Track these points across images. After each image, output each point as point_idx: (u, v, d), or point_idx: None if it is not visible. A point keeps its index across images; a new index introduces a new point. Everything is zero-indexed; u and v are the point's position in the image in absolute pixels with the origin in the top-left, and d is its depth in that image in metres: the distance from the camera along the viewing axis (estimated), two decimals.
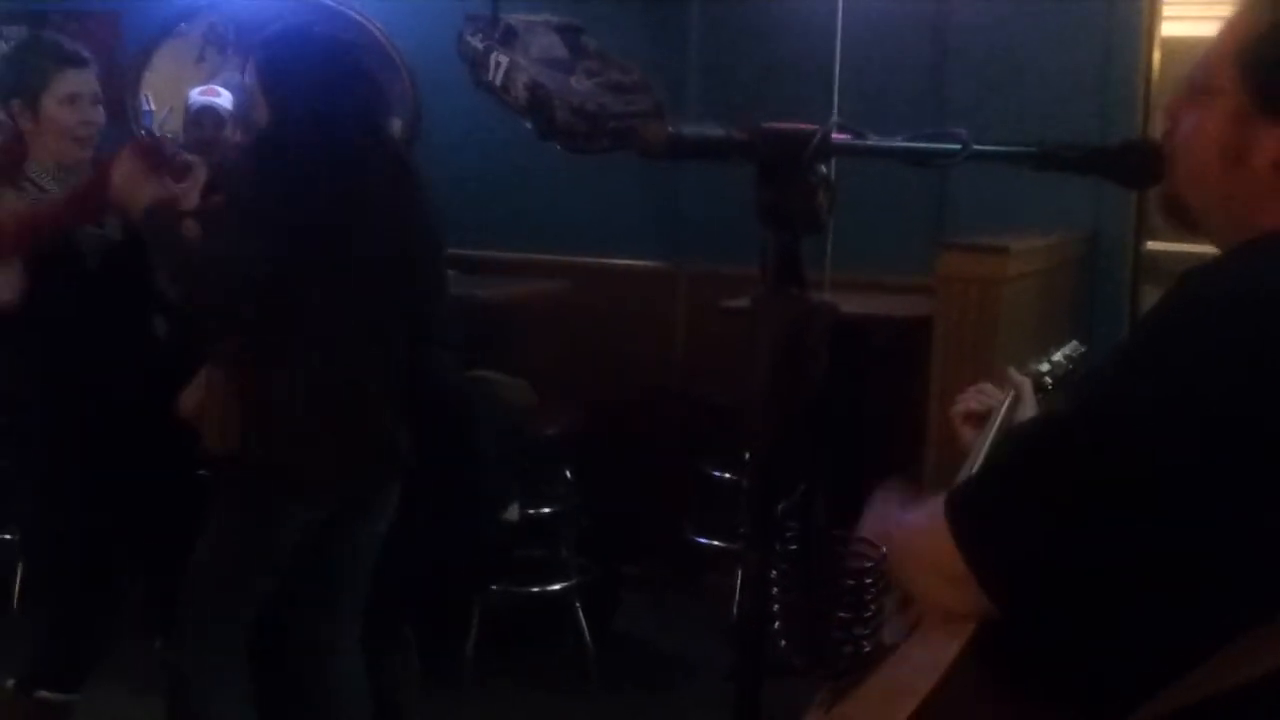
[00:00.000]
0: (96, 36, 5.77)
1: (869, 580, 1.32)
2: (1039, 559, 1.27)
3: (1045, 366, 2.23)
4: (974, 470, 1.81)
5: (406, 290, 3.12)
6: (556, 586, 4.55)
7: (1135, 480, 1.23)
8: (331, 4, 5.79)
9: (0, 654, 3.56)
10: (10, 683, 3.39)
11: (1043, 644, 1.29)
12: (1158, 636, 1.26)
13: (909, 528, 1.40)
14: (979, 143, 1.39)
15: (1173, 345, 1.27)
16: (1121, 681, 1.25)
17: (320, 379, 2.94)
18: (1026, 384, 2.11)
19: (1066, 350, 2.32)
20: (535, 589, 4.56)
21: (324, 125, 2.95)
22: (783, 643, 1.30)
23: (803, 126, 1.30)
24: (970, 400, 2.13)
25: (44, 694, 3.34)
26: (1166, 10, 4.97)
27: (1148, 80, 4.87)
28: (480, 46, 5.36)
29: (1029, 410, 2.05)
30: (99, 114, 3.29)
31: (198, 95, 5.10)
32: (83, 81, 3.27)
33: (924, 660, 1.29)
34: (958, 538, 1.30)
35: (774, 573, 1.30)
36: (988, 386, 2.14)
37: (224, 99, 5.04)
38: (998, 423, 2.00)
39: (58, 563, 3.40)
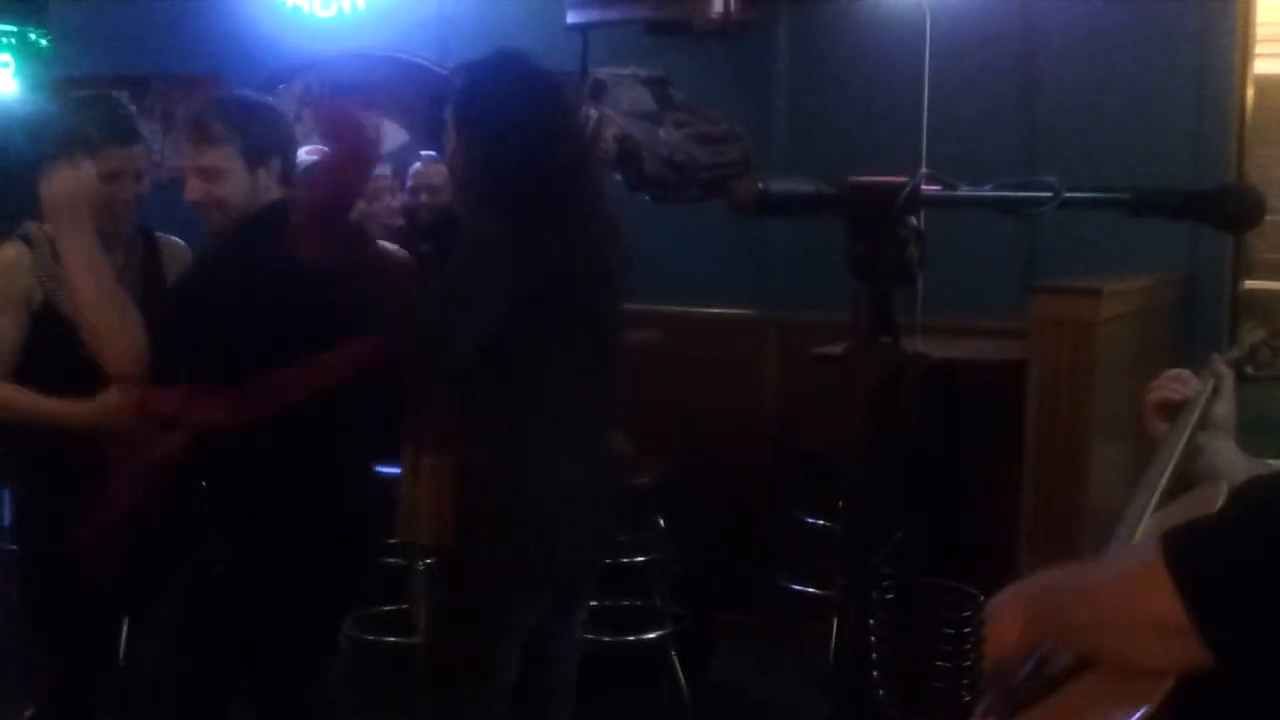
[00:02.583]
0: (189, 107, 5.91)
1: (968, 629, 1.31)
2: (1264, 613, 1.21)
3: (1243, 354, 2.10)
4: (1199, 510, 1.73)
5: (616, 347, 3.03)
6: (651, 635, 4.55)
7: None
8: (423, 62, 5.89)
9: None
10: (29, 714, 3.43)
11: (1248, 701, 1.24)
12: None
13: (1106, 575, 1.35)
14: (1070, 187, 1.39)
15: None
16: None
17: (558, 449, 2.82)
18: (1229, 375, 1.99)
19: (1263, 336, 2.16)
20: (631, 638, 4.56)
21: (538, 166, 2.80)
22: (880, 692, 1.30)
23: (891, 180, 1.31)
24: (1166, 388, 1.98)
25: None
26: (1260, 48, 4.92)
27: (1241, 119, 4.82)
28: None
29: (1229, 402, 1.93)
30: (140, 189, 3.28)
31: (304, 154, 5.21)
32: (128, 158, 3.25)
33: (1110, 707, 1.26)
34: (1182, 588, 1.23)
35: (871, 622, 1.30)
36: (1186, 373, 2.00)
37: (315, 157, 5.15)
38: (1196, 415, 1.89)
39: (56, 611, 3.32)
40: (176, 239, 3.46)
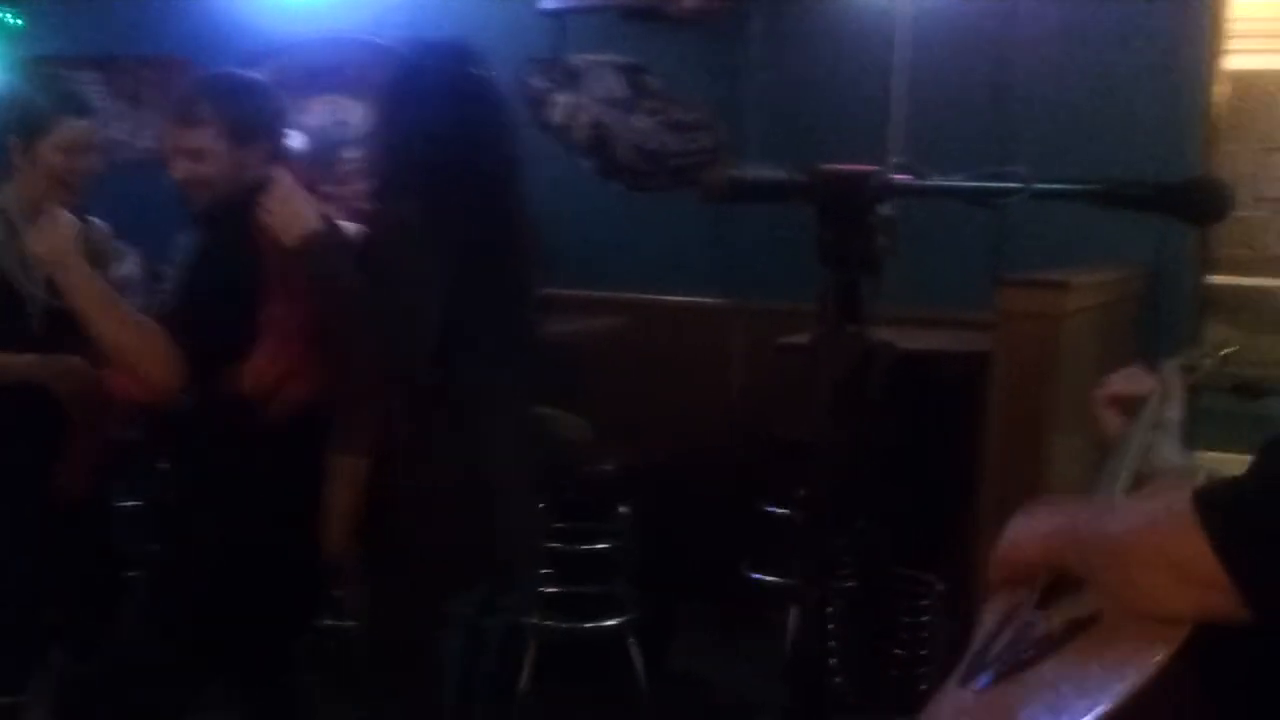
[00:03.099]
0: (167, 81, 5.87)
1: (925, 618, 1.31)
2: None
3: (1189, 360, 2.09)
4: (1157, 462, 1.72)
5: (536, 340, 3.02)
6: (611, 622, 4.55)
7: None
8: (395, 46, 5.86)
9: None
10: None
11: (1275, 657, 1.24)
12: None
13: (1130, 523, 1.33)
14: (1040, 179, 1.40)
15: None
16: None
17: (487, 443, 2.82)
18: (1178, 379, 1.99)
19: (1209, 349, 2.16)
20: (590, 624, 4.56)
21: (458, 162, 2.81)
22: (838, 679, 1.30)
23: (862, 168, 1.31)
24: (1119, 384, 1.99)
25: None
26: (1230, 44, 4.94)
27: (1211, 115, 4.84)
28: (542, 87, 5.42)
29: (1177, 405, 1.92)
30: (94, 162, 3.33)
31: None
32: (83, 130, 3.31)
33: (1124, 657, 1.25)
34: (1214, 537, 1.23)
35: (831, 609, 1.30)
36: (1139, 371, 2.01)
37: (293, 139, 5.11)
38: (1149, 414, 1.89)
39: None
40: (100, 221, 3.47)
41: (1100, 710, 1.19)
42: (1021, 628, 1.42)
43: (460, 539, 2.77)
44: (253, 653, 3.17)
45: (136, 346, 2.83)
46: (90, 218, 3.44)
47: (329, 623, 4.29)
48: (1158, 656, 1.23)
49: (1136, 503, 1.33)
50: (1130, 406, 1.93)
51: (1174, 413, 1.91)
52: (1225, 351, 2.13)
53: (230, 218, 2.92)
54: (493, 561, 2.88)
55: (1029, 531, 1.42)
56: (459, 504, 2.76)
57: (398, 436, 2.76)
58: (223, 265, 2.90)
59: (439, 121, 2.81)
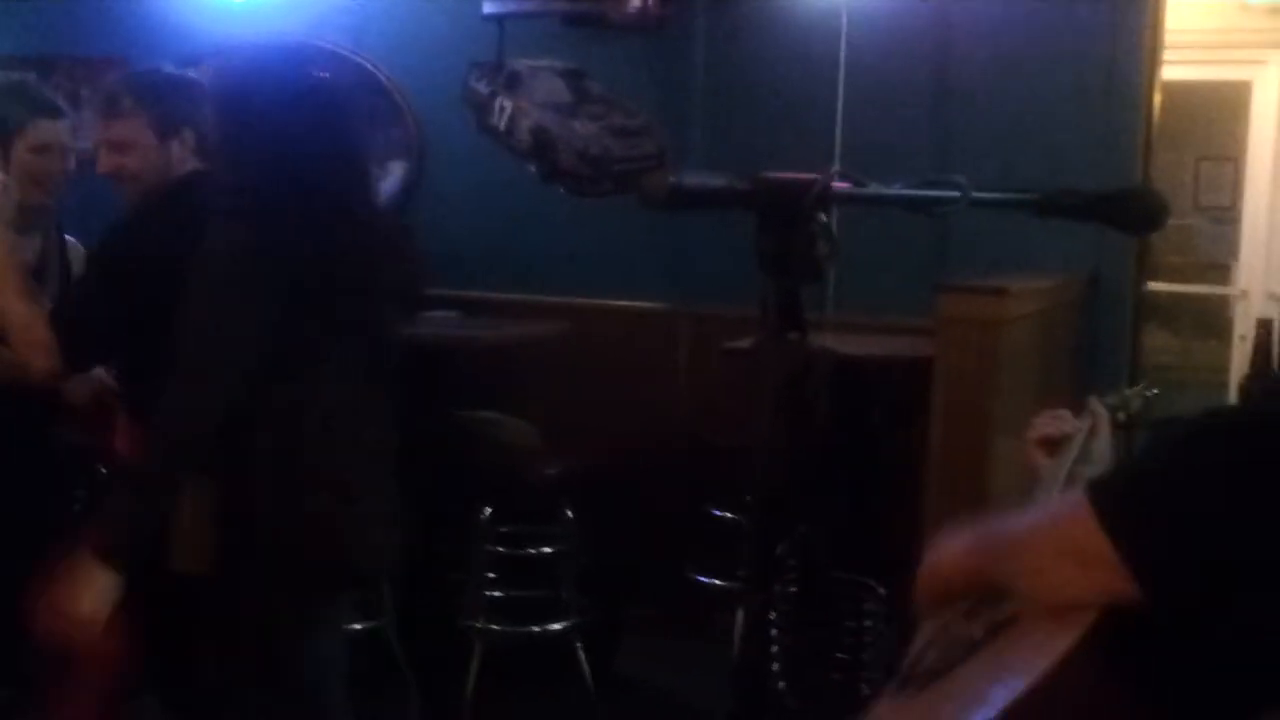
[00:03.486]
0: (102, 83, 5.82)
1: (867, 623, 1.32)
2: (1190, 536, 1.24)
3: (1118, 402, 2.21)
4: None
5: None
6: (557, 626, 4.55)
7: None
8: (337, 49, 5.83)
9: None
10: None
11: (1171, 640, 1.28)
12: None
13: (1030, 520, 1.38)
14: (980, 188, 1.41)
15: None
16: (1253, 686, 1.25)
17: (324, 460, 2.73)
18: (1105, 414, 2.08)
19: (1139, 389, 2.30)
20: (536, 629, 4.55)
21: (290, 175, 2.65)
22: (781, 684, 1.31)
23: (802, 176, 1.32)
24: (1046, 425, 2.08)
25: None
26: (1168, 55, 5.00)
27: (1149, 124, 4.90)
28: (485, 91, 5.40)
29: (1105, 441, 2.01)
30: (67, 163, 3.39)
31: None
32: (56, 131, 3.38)
33: (1030, 647, 1.28)
34: (1102, 516, 1.27)
35: (774, 614, 1.31)
36: (1064, 413, 2.10)
37: None
38: (1075, 450, 1.97)
39: None
40: (76, 241, 3.50)
41: (1010, 698, 1.22)
42: (950, 637, 1.45)
43: (316, 551, 2.71)
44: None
45: (20, 326, 2.82)
46: (67, 236, 3.47)
47: None
48: (1064, 642, 1.25)
49: (1041, 504, 1.37)
50: (1057, 447, 2.01)
51: (1101, 446, 1.98)
52: (1152, 391, 2.24)
53: (159, 209, 2.92)
54: (348, 572, 2.86)
55: (945, 552, 1.47)
56: (313, 516, 2.69)
57: (249, 452, 2.66)
58: (142, 251, 2.90)
59: (274, 134, 2.67)
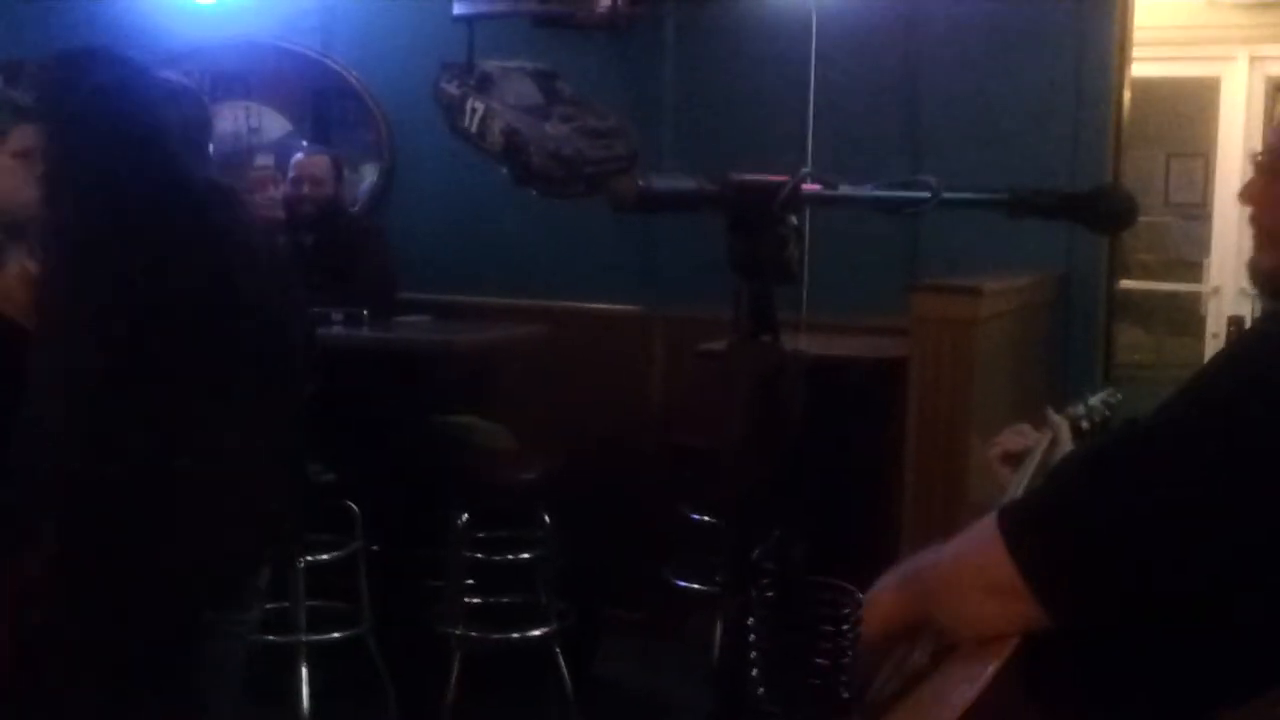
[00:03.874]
0: None
1: (846, 627, 1.32)
2: (1094, 566, 1.28)
3: (1081, 410, 2.24)
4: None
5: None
6: (536, 632, 4.54)
7: (1191, 501, 1.25)
8: (306, 52, 5.81)
9: None
10: None
11: (1089, 659, 1.30)
12: (1205, 661, 1.27)
13: (952, 548, 1.40)
14: (952, 188, 1.41)
15: (1237, 372, 1.31)
16: (1170, 703, 1.27)
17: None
18: (1064, 425, 2.12)
19: (1103, 395, 2.32)
20: (514, 634, 4.54)
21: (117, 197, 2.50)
22: (760, 690, 1.30)
23: (772, 178, 1.31)
24: (1008, 441, 2.13)
25: None
26: (1136, 52, 5.02)
27: (1118, 122, 4.92)
28: (456, 93, 5.35)
29: (1065, 449, 2.04)
30: None
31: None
32: (37, 135, 3.32)
33: (961, 676, 1.29)
34: (1011, 547, 1.30)
35: (751, 619, 1.30)
36: (1025, 427, 2.14)
37: None
38: (1036, 462, 2.00)
39: None
40: None
41: None
42: (902, 666, 1.47)
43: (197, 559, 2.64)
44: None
45: None
46: None
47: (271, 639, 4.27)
48: (987, 670, 1.29)
49: (962, 533, 1.40)
50: (1018, 461, 2.05)
51: (1061, 455, 2.01)
52: (1113, 400, 2.27)
53: None
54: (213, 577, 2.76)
55: (878, 595, 1.49)
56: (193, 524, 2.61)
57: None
58: None
59: (92, 148, 2.54)
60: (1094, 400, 2.29)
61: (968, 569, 1.36)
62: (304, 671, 4.23)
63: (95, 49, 2.74)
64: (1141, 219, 1.51)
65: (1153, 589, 1.27)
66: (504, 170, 4.95)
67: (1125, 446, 1.34)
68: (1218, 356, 1.38)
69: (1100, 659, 1.31)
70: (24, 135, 3.27)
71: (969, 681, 1.27)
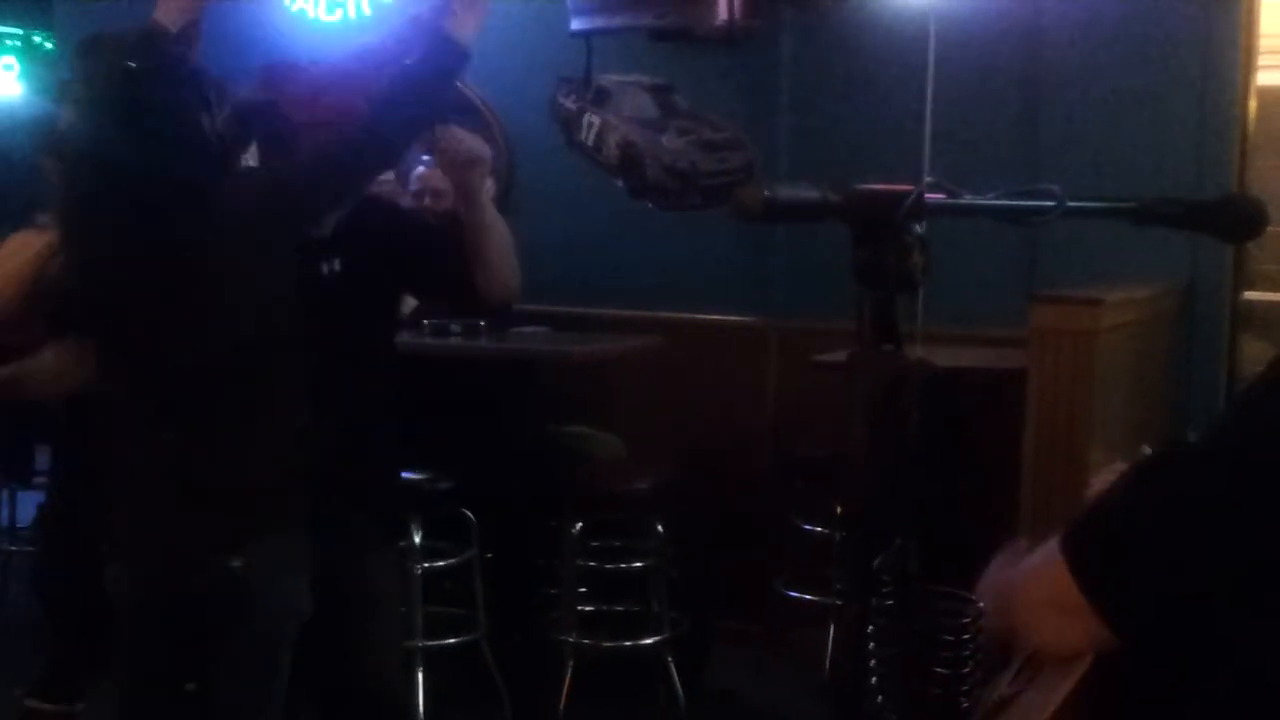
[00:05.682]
0: None
1: (966, 636, 1.32)
2: (1155, 586, 1.29)
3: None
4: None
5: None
6: (648, 640, 4.55)
7: (1247, 517, 1.25)
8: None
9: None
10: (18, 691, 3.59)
11: (1156, 677, 1.30)
12: (1264, 670, 1.26)
13: (1024, 569, 1.41)
14: (1071, 197, 1.40)
15: None
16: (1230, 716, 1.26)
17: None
18: None
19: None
20: (627, 642, 4.56)
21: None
22: (879, 698, 1.30)
23: (896, 188, 1.31)
24: (1106, 479, 2.11)
25: (33, 703, 3.54)
26: (1262, 59, 4.92)
27: (1243, 130, 4.82)
28: (573, 107, 5.40)
29: None
30: None
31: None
32: None
33: (1037, 701, 1.30)
34: (1073, 568, 1.31)
35: (870, 628, 1.31)
36: (1124, 468, 2.13)
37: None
38: None
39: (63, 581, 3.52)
40: None
41: None
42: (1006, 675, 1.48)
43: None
44: None
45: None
46: None
47: None
48: (1062, 691, 1.31)
49: (1041, 549, 1.40)
50: None
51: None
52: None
53: None
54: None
55: (985, 588, 1.50)
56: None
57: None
58: None
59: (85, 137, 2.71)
60: (1193, 438, 2.24)
61: (1039, 586, 1.38)
62: (420, 676, 4.28)
63: (127, 32, 2.86)
64: (1268, 229, 1.49)
65: (1207, 607, 1.27)
66: (620, 183, 5.00)
67: (1179, 468, 1.34)
68: (1268, 374, 1.36)
69: (1164, 679, 1.31)
70: None
71: (1040, 709, 1.29)
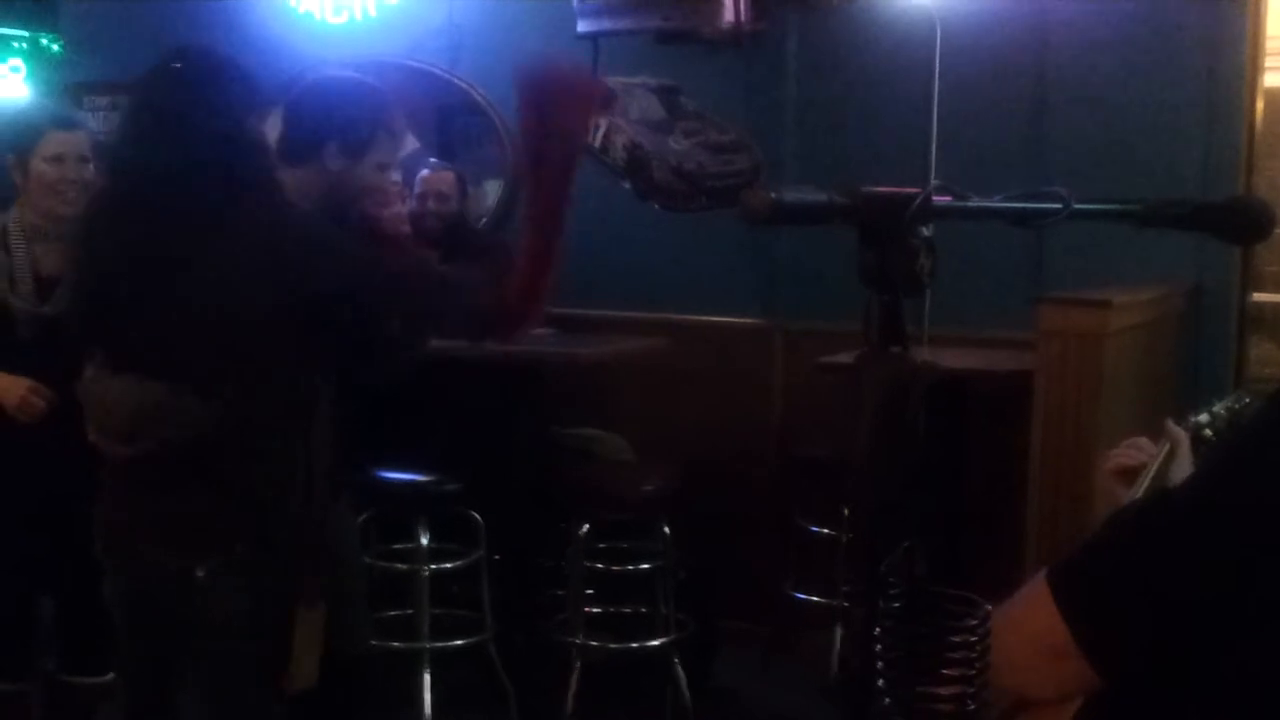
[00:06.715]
0: None
1: (974, 638, 1.31)
2: (1144, 632, 1.27)
3: (1205, 418, 2.13)
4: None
5: None
6: (655, 642, 4.55)
7: (1238, 563, 1.23)
8: (433, 70, 5.91)
9: None
10: None
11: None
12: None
13: (1008, 613, 1.39)
14: (1079, 199, 1.40)
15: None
16: None
17: None
18: (1184, 437, 2.04)
19: (1229, 401, 2.21)
20: (634, 644, 4.57)
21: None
22: (886, 700, 1.30)
23: (904, 190, 1.31)
24: (1123, 456, 2.06)
25: None
26: (1269, 60, 4.92)
27: (1251, 131, 4.82)
28: None
29: (1185, 465, 1.97)
30: (85, 172, 3.59)
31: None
32: (70, 142, 3.61)
33: None
34: (1062, 608, 1.29)
35: (878, 630, 1.30)
36: (1142, 441, 2.07)
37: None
38: (1151, 477, 1.95)
39: None
40: None
41: None
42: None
43: None
44: None
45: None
46: None
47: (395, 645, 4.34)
48: None
49: (1022, 590, 1.39)
50: (1134, 476, 1.98)
51: (1181, 468, 1.95)
52: (1239, 405, 2.18)
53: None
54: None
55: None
56: None
57: None
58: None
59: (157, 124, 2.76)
60: (1219, 407, 2.17)
61: (1026, 630, 1.35)
62: (427, 677, 4.29)
63: (191, 47, 2.91)
64: (1276, 231, 1.48)
65: (1194, 654, 1.26)
66: (627, 185, 5.01)
67: (1167, 513, 1.32)
68: (1257, 420, 1.35)
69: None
70: (54, 142, 3.65)
71: None
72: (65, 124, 3.71)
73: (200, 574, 2.66)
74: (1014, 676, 1.37)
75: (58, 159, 3.56)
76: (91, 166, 3.60)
